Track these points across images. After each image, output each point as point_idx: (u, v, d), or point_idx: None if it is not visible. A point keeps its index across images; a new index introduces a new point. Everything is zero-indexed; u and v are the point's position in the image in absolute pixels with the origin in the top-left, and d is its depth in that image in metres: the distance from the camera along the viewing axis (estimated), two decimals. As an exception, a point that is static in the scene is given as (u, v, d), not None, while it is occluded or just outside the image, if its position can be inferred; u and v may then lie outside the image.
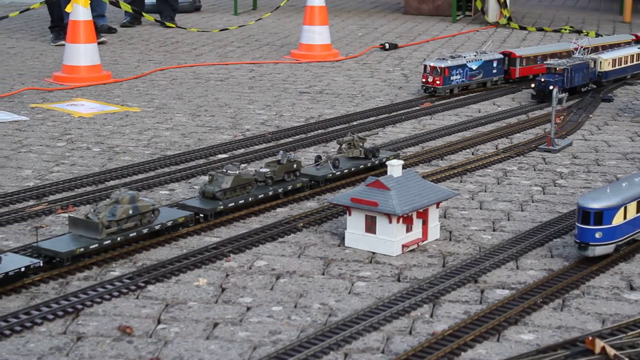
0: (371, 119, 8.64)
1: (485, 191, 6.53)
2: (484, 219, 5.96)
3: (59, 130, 8.07)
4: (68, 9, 10.30)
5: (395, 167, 5.46)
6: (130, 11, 12.51)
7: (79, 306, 4.54)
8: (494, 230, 5.75)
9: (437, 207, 5.52)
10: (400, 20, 15.92)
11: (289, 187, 6.22)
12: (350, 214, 5.38)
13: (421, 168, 7.04)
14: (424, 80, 9.62)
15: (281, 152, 6.34)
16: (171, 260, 5.11)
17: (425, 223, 5.45)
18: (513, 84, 10.21)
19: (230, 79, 10.59)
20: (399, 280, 4.97)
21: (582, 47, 9.90)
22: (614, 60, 10.12)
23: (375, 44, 13.15)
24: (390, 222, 5.24)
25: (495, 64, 10.03)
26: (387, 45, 12.80)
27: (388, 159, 6.80)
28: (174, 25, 13.46)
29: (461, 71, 9.68)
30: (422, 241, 5.45)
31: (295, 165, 6.28)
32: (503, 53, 10.21)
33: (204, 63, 11.55)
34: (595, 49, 10.68)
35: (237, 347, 4.20)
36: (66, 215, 5.81)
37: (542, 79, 9.30)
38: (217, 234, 5.63)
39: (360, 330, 4.33)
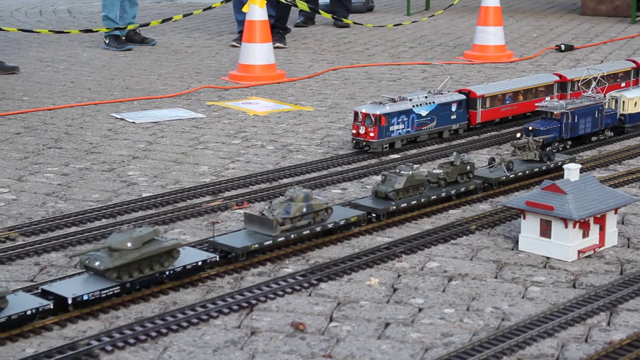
0: (546, 121, 8.48)
1: (666, 198, 6.32)
2: (664, 226, 5.77)
3: (234, 128, 8.23)
4: (245, 9, 10.51)
5: (572, 171, 5.35)
6: (307, 10, 12.62)
7: (253, 301, 4.62)
8: (674, 238, 5.57)
9: (615, 212, 5.38)
10: (576, 21, 15.57)
11: (462, 189, 6.17)
12: (524, 218, 5.30)
13: (598, 172, 6.87)
14: (354, 132, 7.31)
15: (454, 153, 6.30)
16: (343, 259, 5.14)
17: (602, 229, 5.31)
18: (478, 132, 8.04)
19: (403, 79, 10.57)
20: (574, 287, 4.86)
21: (595, 78, 7.86)
22: None
23: (550, 45, 12.91)
24: (566, 226, 5.14)
25: (454, 108, 7.75)
26: (562, 47, 12.54)
27: (564, 162, 6.66)
28: (350, 22, 13.53)
29: (405, 119, 7.40)
30: (599, 247, 5.31)
31: (468, 167, 6.22)
32: (460, 92, 7.99)
33: (377, 63, 11.57)
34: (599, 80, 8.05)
35: (409, 347, 4.19)
36: (241, 211, 5.92)
37: (531, 128, 7.09)
38: (389, 234, 5.63)
39: (534, 336, 4.25)
